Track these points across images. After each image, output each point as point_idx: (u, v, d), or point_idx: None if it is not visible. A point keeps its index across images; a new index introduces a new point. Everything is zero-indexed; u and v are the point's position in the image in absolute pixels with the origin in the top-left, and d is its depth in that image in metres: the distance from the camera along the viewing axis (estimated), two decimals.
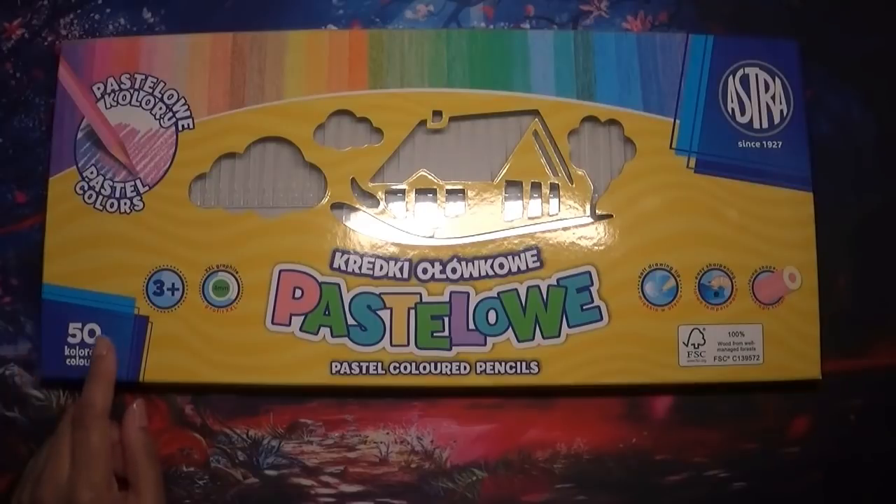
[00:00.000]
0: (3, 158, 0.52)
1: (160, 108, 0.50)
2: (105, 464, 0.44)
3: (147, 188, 0.50)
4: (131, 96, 0.50)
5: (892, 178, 0.52)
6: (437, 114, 0.49)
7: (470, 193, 0.49)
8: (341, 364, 0.47)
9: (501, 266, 0.48)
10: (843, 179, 0.52)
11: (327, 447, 0.50)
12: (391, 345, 0.47)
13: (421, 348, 0.47)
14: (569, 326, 0.47)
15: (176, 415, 0.50)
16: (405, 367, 0.47)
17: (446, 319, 0.48)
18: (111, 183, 0.50)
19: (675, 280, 0.49)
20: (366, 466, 0.50)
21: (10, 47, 0.53)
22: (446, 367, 0.47)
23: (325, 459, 0.50)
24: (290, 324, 0.48)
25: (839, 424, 0.51)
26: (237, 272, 0.48)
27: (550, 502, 0.50)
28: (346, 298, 0.48)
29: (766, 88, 0.51)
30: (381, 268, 0.48)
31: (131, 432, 0.46)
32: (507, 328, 0.48)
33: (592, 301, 0.48)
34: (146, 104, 0.50)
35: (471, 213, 0.49)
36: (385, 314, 0.48)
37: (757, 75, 0.51)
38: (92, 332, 0.48)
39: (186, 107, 0.50)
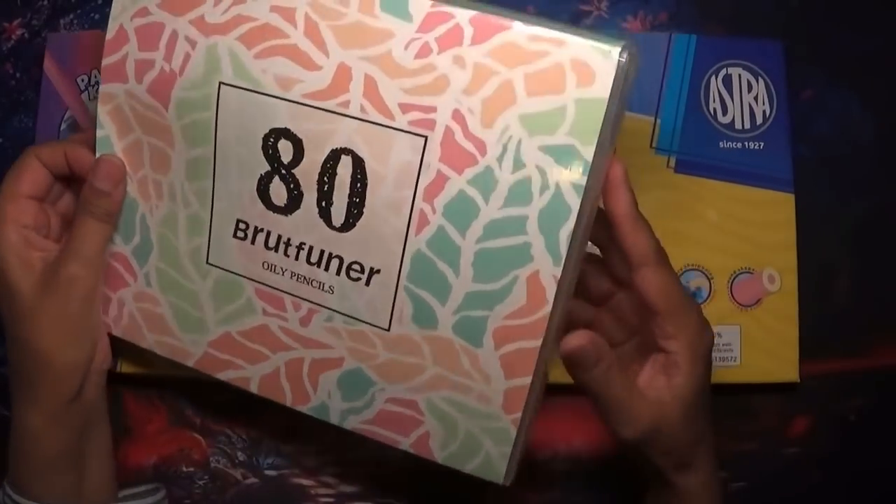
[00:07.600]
0: (3, 158, 0.52)
1: None
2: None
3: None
4: None
5: (891, 178, 0.52)
6: None
7: None
8: None
9: None
10: (842, 179, 0.52)
11: (327, 447, 0.50)
12: None
13: None
14: None
15: (176, 415, 0.50)
16: None
17: None
18: None
19: None
20: (366, 466, 0.50)
21: (10, 47, 0.53)
22: None
23: (325, 459, 0.50)
24: None
25: (839, 424, 0.51)
26: None
27: (550, 502, 0.50)
28: None
29: (749, 89, 0.50)
30: None
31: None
32: None
33: None
34: None
35: None
36: None
37: (740, 75, 0.50)
38: None
39: None
